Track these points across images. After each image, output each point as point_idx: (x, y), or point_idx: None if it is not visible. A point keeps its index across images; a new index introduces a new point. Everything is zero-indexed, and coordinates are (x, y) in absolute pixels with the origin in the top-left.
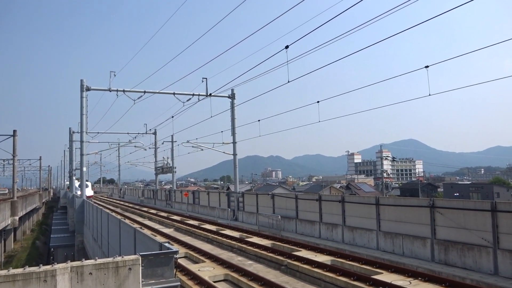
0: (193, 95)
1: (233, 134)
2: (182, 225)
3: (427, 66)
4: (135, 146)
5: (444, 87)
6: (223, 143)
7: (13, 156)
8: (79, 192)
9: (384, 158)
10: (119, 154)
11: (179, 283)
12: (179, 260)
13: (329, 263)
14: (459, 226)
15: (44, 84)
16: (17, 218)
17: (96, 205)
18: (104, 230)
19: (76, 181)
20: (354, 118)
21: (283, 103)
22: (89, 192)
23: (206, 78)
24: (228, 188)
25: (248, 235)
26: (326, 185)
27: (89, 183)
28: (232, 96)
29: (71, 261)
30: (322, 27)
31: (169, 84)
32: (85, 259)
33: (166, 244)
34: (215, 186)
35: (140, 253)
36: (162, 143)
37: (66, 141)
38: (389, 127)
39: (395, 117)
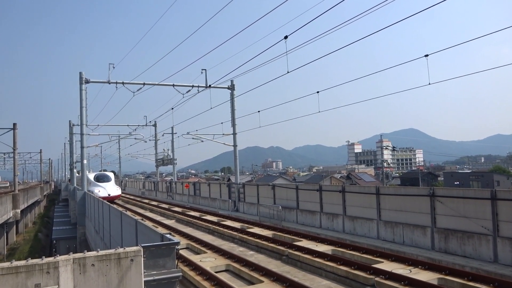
0: (192, 86)
1: (233, 125)
2: (183, 217)
3: (426, 55)
4: (135, 138)
5: (444, 76)
6: (223, 134)
7: (14, 150)
8: (96, 190)
9: (384, 147)
10: (119, 146)
11: (180, 273)
12: (181, 251)
13: (330, 252)
14: (459, 215)
15: (44, 77)
16: (19, 211)
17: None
18: (106, 222)
19: (89, 175)
20: (354, 108)
21: (283, 93)
22: (113, 189)
23: (205, 70)
24: (229, 179)
25: (249, 226)
26: (326, 175)
27: (111, 175)
28: (231, 87)
29: (73, 253)
30: (322, 16)
31: (168, 76)
32: (87, 251)
33: (168, 235)
34: (216, 177)
35: (142, 245)
36: (162, 135)
37: (66, 134)
38: (389, 116)
39: (395, 107)
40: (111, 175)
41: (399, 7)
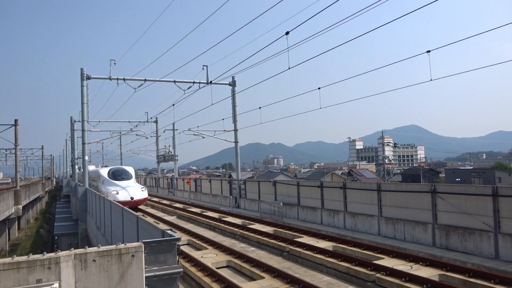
0: (193, 82)
1: (234, 121)
2: (184, 213)
3: (428, 51)
4: (136, 135)
5: (446, 72)
6: (224, 130)
7: (15, 146)
8: (113, 192)
9: (386, 144)
10: (120, 142)
11: (181, 269)
12: (182, 247)
13: (331, 249)
14: (460, 211)
15: (45, 74)
16: (20, 207)
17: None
18: (107, 218)
19: (100, 170)
20: (355, 105)
21: (284, 90)
22: (136, 191)
23: (206, 66)
24: (230, 176)
25: (250, 222)
26: (327, 171)
27: (131, 170)
28: (232, 84)
29: (74, 249)
30: (323, 12)
31: (169, 72)
32: (89, 247)
33: (169, 231)
34: (217, 173)
35: (143, 240)
36: (164, 131)
37: (67, 130)
38: (390, 113)
39: (397, 103)
40: (131, 170)
41: (402, 3)
